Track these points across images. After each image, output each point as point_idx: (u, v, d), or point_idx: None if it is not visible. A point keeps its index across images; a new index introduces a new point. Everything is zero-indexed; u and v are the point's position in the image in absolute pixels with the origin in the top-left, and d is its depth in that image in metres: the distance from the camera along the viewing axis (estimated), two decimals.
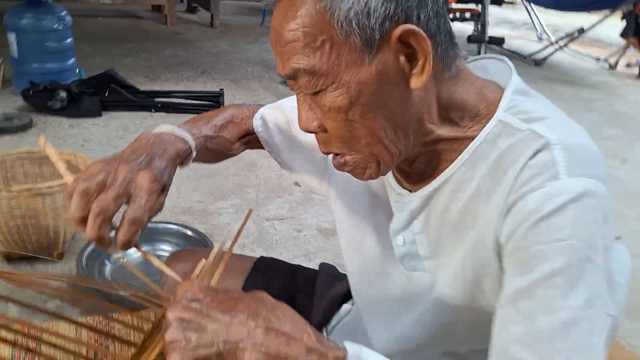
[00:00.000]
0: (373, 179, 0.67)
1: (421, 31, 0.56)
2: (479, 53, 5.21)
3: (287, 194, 2.36)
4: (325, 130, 0.62)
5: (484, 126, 0.62)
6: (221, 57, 4.47)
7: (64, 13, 3.10)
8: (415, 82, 0.58)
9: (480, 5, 5.17)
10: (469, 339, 0.70)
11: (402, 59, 0.58)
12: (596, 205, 0.54)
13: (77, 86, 2.95)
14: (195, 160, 0.80)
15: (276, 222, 2.12)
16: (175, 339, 0.53)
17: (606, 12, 5.12)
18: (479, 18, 5.23)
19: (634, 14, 4.37)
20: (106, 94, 3.02)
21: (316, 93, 0.59)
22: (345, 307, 0.97)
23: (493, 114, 0.62)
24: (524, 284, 0.55)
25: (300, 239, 2.03)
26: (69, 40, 3.16)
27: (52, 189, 1.58)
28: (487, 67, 0.70)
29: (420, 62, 0.58)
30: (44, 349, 0.81)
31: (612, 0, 4.79)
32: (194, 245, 1.71)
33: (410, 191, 0.69)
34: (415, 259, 0.71)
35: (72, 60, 3.24)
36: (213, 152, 0.85)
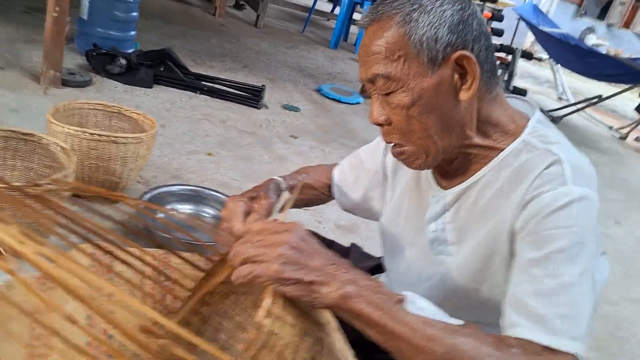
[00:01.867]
0: (421, 169, 0.88)
1: (473, 57, 0.78)
2: None
3: None
4: (389, 124, 0.83)
5: (510, 142, 0.84)
6: (262, 56, 4.72)
7: None
8: (463, 95, 0.80)
9: (511, 56, 5.45)
10: (470, 310, 0.88)
11: (456, 76, 0.79)
12: (592, 206, 0.75)
13: (136, 56, 3.20)
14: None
15: (300, 211, 2.35)
16: (284, 254, 0.66)
17: (626, 86, 5.40)
18: (507, 67, 5.51)
19: None
20: (161, 69, 3.25)
21: (388, 94, 0.80)
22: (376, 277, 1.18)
23: (519, 135, 0.84)
24: (536, 256, 0.73)
25: (319, 230, 2.26)
26: (134, 13, 3.42)
27: (126, 139, 1.81)
28: (515, 101, 0.93)
29: (469, 81, 0.79)
30: (117, 266, 0.89)
31: (633, 76, 5.07)
32: None
33: (445, 189, 0.91)
34: (443, 243, 0.91)
35: (133, 32, 3.49)
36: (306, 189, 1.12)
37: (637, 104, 4.89)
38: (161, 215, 1.87)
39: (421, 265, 0.98)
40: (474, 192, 0.87)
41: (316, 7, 6.45)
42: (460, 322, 0.72)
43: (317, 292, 0.67)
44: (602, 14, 12.20)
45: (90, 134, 1.76)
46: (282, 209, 0.88)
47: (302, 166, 1.18)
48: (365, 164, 1.10)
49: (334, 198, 1.16)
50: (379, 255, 1.22)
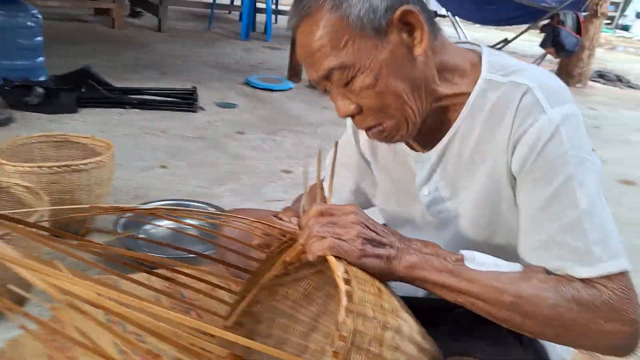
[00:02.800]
0: (405, 139, 0.86)
1: (414, 9, 0.75)
2: None
3: (278, 179, 2.55)
4: (360, 111, 0.80)
5: (473, 83, 0.83)
6: (177, 60, 4.55)
7: (35, 11, 3.10)
8: (417, 49, 0.77)
9: None
10: (493, 242, 0.88)
11: (404, 35, 0.77)
12: (576, 121, 0.75)
13: (53, 82, 2.97)
14: None
15: (276, 203, 2.30)
16: (363, 233, 0.71)
17: (526, 26, 5.73)
18: None
19: (552, 26, 4.96)
20: (83, 90, 3.05)
21: (347, 83, 0.77)
22: None
23: (478, 72, 0.81)
24: (549, 193, 0.73)
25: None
26: (39, 38, 3.16)
27: (87, 165, 1.68)
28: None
29: (418, 34, 0.77)
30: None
31: (531, 16, 5.38)
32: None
33: (424, 151, 0.90)
34: (440, 202, 0.90)
35: (41, 58, 3.23)
36: None
37: (540, 41, 5.20)
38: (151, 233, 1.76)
39: (427, 235, 0.95)
40: (456, 144, 0.85)
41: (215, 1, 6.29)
42: (519, 267, 0.74)
43: (392, 265, 0.73)
44: None
45: (49, 167, 1.61)
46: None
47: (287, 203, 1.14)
48: (344, 159, 1.07)
49: None
50: None
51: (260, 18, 6.44)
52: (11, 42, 3.01)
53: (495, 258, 0.75)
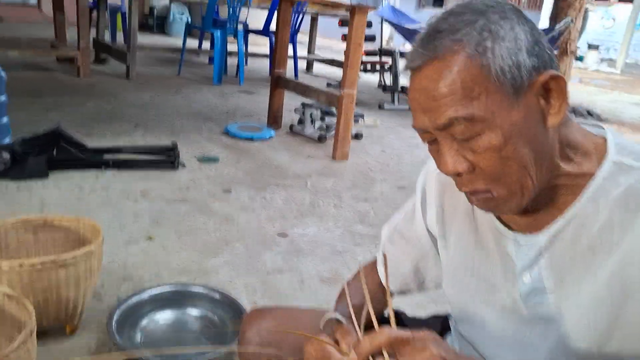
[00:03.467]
0: (512, 212, 0.75)
1: (562, 76, 0.68)
2: (392, 101, 5.61)
3: (274, 244, 2.37)
4: (472, 171, 0.71)
5: (596, 165, 0.74)
6: (149, 110, 4.35)
7: None
8: (552, 120, 0.69)
9: (391, 58, 5.60)
10: (609, 350, 0.76)
11: (542, 101, 0.68)
12: None
13: (20, 146, 2.73)
14: None
15: (277, 274, 2.12)
16: None
17: None
18: (391, 69, 5.65)
19: None
20: (54, 153, 2.81)
21: (469, 138, 0.68)
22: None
23: (602, 154, 0.74)
24: None
25: (305, 290, 2.04)
26: (2, 97, 2.92)
27: (75, 259, 1.47)
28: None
29: (557, 103, 0.68)
30: None
31: None
32: (222, 307, 1.66)
33: (524, 232, 0.78)
34: (540, 293, 0.78)
35: (5, 119, 2.98)
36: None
37: None
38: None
39: (514, 328, 0.83)
40: (571, 229, 0.74)
41: (180, 44, 6.14)
42: None
43: None
44: (439, 2, 13.23)
45: (31, 265, 1.39)
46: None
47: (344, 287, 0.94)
48: (405, 233, 0.97)
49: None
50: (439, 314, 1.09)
51: (230, 61, 6.32)
52: None
53: None
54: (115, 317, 1.53)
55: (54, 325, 1.55)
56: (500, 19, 0.67)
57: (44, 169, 2.73)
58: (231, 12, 5.53)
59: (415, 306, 1.69)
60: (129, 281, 1.92)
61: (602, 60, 13.68)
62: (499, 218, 0.82)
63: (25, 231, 1.69)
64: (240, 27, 5.79)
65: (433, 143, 0.73)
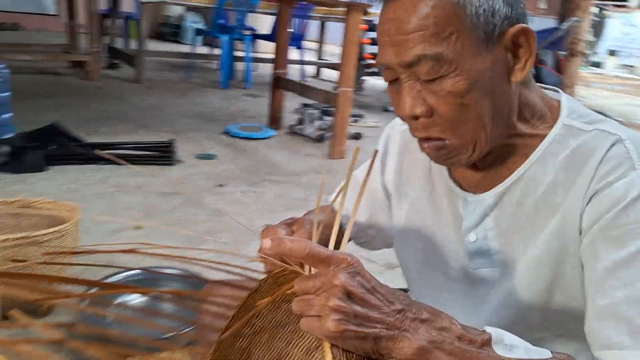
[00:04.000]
0: (462, 165, 0.74)
1: (533, 31, 0.67)
2: None
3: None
4: (430, 115, 0.69)
5: (550, 127, 0.74)
6: (154, 111, 4.42)
7: (2, 65, 2.96)
8: (516, 76, 0.68)
9: None
10: (541, 326, 0.77)
11: (509, 54, 0.68)
12: None
13: (19, 140, 2.80)
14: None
15: (260, 264, 2.13)
16: (342, 308, 0.53)
17: None
18: None
19: (533, 66, 4.97)
20: (52, 148, 2.88)
21: (433, 79, 0.66)
22: None
23: (556, 117, 0.74)
24: (621, 257, 0.64)
25: None
26: (6, 94, 3.01)
27: (46, 236, 1.51)
28: None
29: (524, 59, 0.68)
30: None
31: None
32: (194, 287, 1.68)
33: (475, 192, 0.78)
34: (486, 255, 0.78)
35: (8, 115, 3.07)
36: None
37: None
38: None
39: (460, 287, 0.84)
40: (518, 191, 0.75)
41: (194, 51, 6.25)
42: (548, 354, 0.62)
43: (386, 347, 0.56)
44: None
45: (3, 239, 1.43)
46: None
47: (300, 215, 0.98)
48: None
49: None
50: (402, 287, 1.08)
51: (239, 66, 6.40)
52: None
53: (524, 341, 0.62)
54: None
55: (27, 306, 1.58)
56: None
57: (42, 162, 2.80)
58: (238, 17, 5.62)
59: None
60: (112, 268, 1.95)
61: (621, 66, 13.48)
62: (452, 178, 0.82)
63: (8, 216, 1.74)
64: (247, 32, 5.86)
65: (394, 83, 0.71)
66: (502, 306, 0.78)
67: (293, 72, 6.67)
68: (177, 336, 1.42)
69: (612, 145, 0.68)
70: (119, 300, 1.65)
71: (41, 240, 1.49)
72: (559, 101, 0.77)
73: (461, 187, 0.81)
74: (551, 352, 0.63)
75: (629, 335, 0.61)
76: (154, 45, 8.07)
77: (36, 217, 1.77)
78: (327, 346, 0.56)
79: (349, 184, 1.00)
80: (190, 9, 9.24)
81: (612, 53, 13.13)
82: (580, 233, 0.70)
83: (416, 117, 0.69)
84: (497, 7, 0.65)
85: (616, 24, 14.50)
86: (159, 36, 9.59)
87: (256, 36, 6.61)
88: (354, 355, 0.57)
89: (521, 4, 0.69)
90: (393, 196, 0.92)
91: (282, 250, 0.56)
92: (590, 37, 13.31)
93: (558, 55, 4.98)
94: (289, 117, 4.42)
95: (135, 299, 1.68)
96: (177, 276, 1.73)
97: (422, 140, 0.73)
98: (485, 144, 0.71)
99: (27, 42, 6.11)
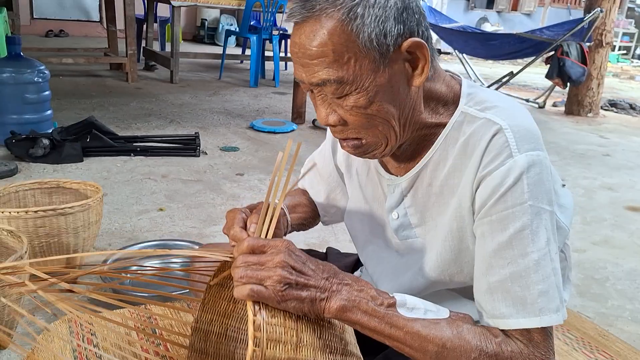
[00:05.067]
0: (377, 158, 0.85)
1: (424, 42, 0.75)
2: None
3: None
4: (344, 123, 0.79)
5: (452, 113, 0.83)
6: (186, 108, 4.68)
7: (42, 67, 3.25)
8: (416, 81, 0.77)
9: None
10: (457, 278, 0.89)
11: (406, 64, 0.76)
12: (540, 171, 0.75)
13: (58, 134, 3.08)
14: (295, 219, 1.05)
15: None
16: (285, 277, 0.69)
17: (530, 59, 5.75)
18: None
19: (556, 58, 4.97)
20: (87, 140, 3.15)
21: (340, 97, 0.75)
22: (357, 273, 1.16)
23: (457, 103, 0.83)
24: (504, 238, 0.75)
25: None
26: (47, 92, 3.31)
27: (73, 209, 1.73)
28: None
29: (420, 67, 0.76)
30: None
31: (535, 49, 5.42)
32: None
33: (397, 175, 0.90)
34: (407, 228, 0.91)
35: (49, 112, 3.37)
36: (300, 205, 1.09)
37: (546, 72, 5.21)
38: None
39: (392, 256, 0.97)
40: (427, 174, 0.85)
41: (227, 52, 6.50)
42: (446, 314, 0.76)
43: (319, 307, 0.72)
44: (491, 3, 13.05)
45: (35, 211, 1.66)
46: (270, 220, 0.88)
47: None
48: (320, 168, 1.10)
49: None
50: (354, 252, 1.22)
51: (271, 65, 6.62)
52: (19, 97, 3.15)
53: (425, 302, 0.77)
54: (108, 261, 1.77)
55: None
56: None
57: (79, 154, 3.07)
58: (267, 18, 5.83)
59: None
60: (132, 242, 2.18)
61: None
62: (380, 162, 0.94)
63: (41, 194, 1.98)
64: (276, 32, 6.07)
65: (312, 93, 0.80)
66: (417, 274, 0.90)
67: None
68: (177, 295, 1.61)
69: (494, 135, 0.76)
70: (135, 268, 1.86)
71: (68, 212, 1.71)
72: (460, 86, 0.85)
73: (386, 169, 0.93)
74: (450, 312, 0.77)
75: (513, 306, 0.74)
76: (190, 47, 8.42)
77: (66, 195, 2.00)
78: (249, 304, 0.70)
79: (308, 165, 1.16)
80: (225, 11, 9.56)
81: None
82: (473, 214, 0.80)
83: (333, 125, 0.80)
84: (389, 28, 0.72)
85: None
86: (196, 39, 9.94)
87: (285, 36, 6.82)
88: (275, 310, 0.72)
89: (415, 14, 0.75)
90: (345, 175, 1.05)
91: (232, 238, 0.81)
92: (632, 29, 12.92)
93: (583, 46, 4.95)
94: (312, 112, 4.59)
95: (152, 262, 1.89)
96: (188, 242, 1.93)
97: (341, 140, 0.83)
98: (395, 141, 0.80)
99: (72, 46, 6.52)
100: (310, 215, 1.11)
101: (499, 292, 0.75)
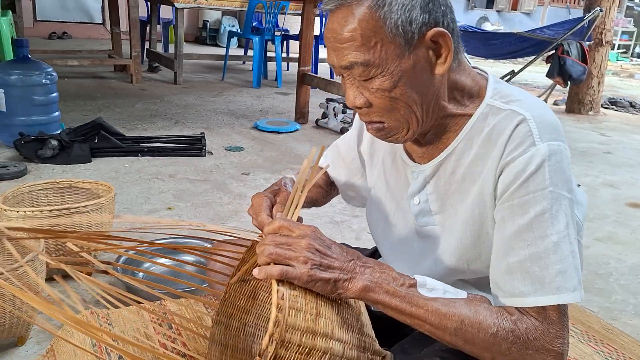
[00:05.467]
0: (399, 142, 0.90)
1: (448, 32, 0.79)
2: None
3: None
4: (369, 106, 0.83)
5: (477, 106, 0.87)
6: (190, 109, 4.72)
7: (50, 69, 3.29)
8: (439, 69, 0.81)
9: None
10: (474, 265, 0.92)
11: (431, 52, 0.80)
12: (561, 159, 0.79)
13: (67, 135, 3.12)
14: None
15: None
16: (311, 259, 0.74)
17: (530, 58, 5.77)
18: None
19: (557, 57, 5.00)
20: (95, 141, 3.19)
21: (367, 79, 0.80)
22: None
23: (483, 96, 0.88)
24: (524, 221, 0.78)
25: None
26: (54, 94, 3.34)
27: (86, 208, 1.76)
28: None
29: (443, 55, 0.80)
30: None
31: (535, 48, 5.44)
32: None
33: (420, 163, 0.94)
34: (427, 214, 0.94)
35: (56, 113, 3.41)
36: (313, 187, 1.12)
37: (546, 71, 5.23)
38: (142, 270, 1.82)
39: (411, 245, 1.00)
40: (451, 162, 0.89)
41: (229, 53, 6.54)
42: (464, 294, 0.80)
43: (342, 287, 0.76)
44: (490, 3, 13.08)
45: (49, 210, 1.70)
46: (296, 207, 0.92)
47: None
48: (343, 153, 1.14)
49: (336, 193, 1.19)
50: (370, 247, 1.26)
51: (273, 66, 6.65)
52: (27, 99, 3.19)
53: (444, 284, 0.81)
54: (122, 259, 1.80)
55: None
56: None
57: (88, 154, 3.11)
58: (269, 19, 5.87)
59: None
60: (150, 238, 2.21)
61: None
62: (405, 150, 0.99)
63: (54, 193, 2.02)
64: (278, 33, 6.11)
65: (343, 77, 0.84)
66: (440, 258, 0.94)
67: (324, 70, 6.90)
68: (194, 290, 1.64)
69: (518, 124, 0.80)
70: (148, 264, 1.89)
71: (82, 211, 1.75)
72: (487, 81, 0.90)
73: (411, 157, 0.97)
74: (467, 294, 0.81)
75: (532, 284, 0.78)
76: (193, 49, 8.46)
77: (78, 195, 2.04)
78: (274, 283, 0.75)
79: (330, 150, 1.20)
80: (227, 13, 9.60)
81: None
82: (495, 199, 0.83)
83: (359, 107, 0.85)
84: (414, 16, 0.76)
85: None
86: (198, 40, 9.98)
87: (287, 37, 6.85)
88: (297, 287, 0.76)
89: (441, 6, 0.79)
90: (367, 162, 1.09)
91: (260, 224, 0.86)
92: (631, 28, 12.94)
93: (583, 45, 4.98)
94: (315, 112, 4.63)
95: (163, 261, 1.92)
96: (198, 239, 1.96)
97: (367, 123, 0.88)
98: (417, 126, 0.84)
99: (75, 49, 6.56)
100: (322, 195, 1.16)
101: (518, 272, 0.78)
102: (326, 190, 1.17)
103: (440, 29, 0.78)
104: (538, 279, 0.77)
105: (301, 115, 4.45)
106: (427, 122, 0.86)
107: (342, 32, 0.77)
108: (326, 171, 1.17)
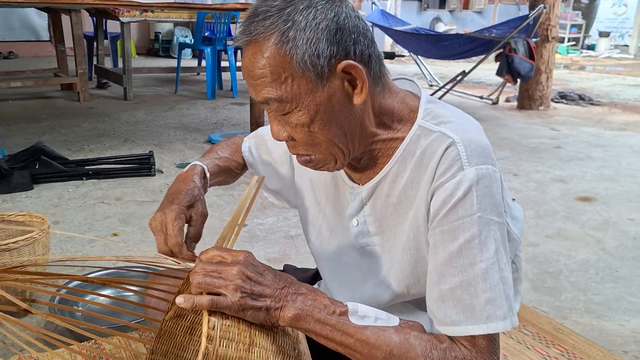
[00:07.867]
0: (331, 171, 0.90)
1: (357, 64, 0.77)
2: None
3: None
4: (293, 139, 0.83)
5: (409, 128, 0.86)
6: (140, 125, 4.61)
7: None
8: (357, 99, 0.80)
9: None
10: (414, 290, 0.92)
11: (346, 83, 0.79)
12: (490, 184, 0.79)
13: (6, 162, 2.99)
14: (213, 183, 1.07)
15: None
16: (242, 287, 0.73)
17: (481, 57, 5.87)
18: None
19: (505, 55, 5.09)
20: (36, 167, 3.07)
21: (284, 114, 0.80)
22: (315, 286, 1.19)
23: (415, 118, 0.86)
24: (454, 248, 0.78)
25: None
26: None
27: (17, 244, 1.67)
28: (402, 82, 0.96)
29: (359, 85, 0.79)
30: None
31: (484, 47, 5.53)
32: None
33: (359, 184, 0.93)
34: (366, 236, 0.94)
35: None
36: (225, 171, 1.10)
37: (496, 70, 5.33)
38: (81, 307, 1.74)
39: (351, 265, 0.99)
40: (386, 185, 0.88)
41: (182, 64, 6.43)
42: (396, 321, 0.80)
43: (274, 315, 0.76)
44: (443, 3, 13.30)
45: None
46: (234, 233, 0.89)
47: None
48: (271, 151, 1.11)
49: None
50: (312, 267, 1.23)
51: (227, 76, 6.57)
52: None
53: (377, 311, 0.80)
54: (56, 299, 1.71)
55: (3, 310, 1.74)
56: (305, 8, 0.75)
57: (29, 182, 2.98)
58: (219, 29, 5.79)
59: None
60: (85, 272, 2.12)
61: (614, 46, 13.49)
62: (345, 171, 0.96)
63: None
64: (231, 42, 6.04)
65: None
66: (382, 283, 0.93)
67: None
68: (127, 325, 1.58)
69: (447, 148, 0.80)
70: (89, 297, 1.81)
71: (12, 248, 1.66)
72: (419, 100, 0.89)
73: (350, 178, 0.95)
74: (400, 319, 0.80)
75: (462, 313, 0.77)
76: (144, 62, 8.30)
77: (10, 230, 1.94)
78: (205, 314, 0.73)
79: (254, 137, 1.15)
80: (179, 23, 9.45)
81: (603, 34, 13.16)
82: (428, 223, 0.83)
83: (283, 140, 0.84)
84: (321, 49, 0.75)
85: (607, 5, 14.52)
86: (151, 52, 9.80)
87: (240, 46, 6.77)
88: (230, 317, 0.75)
89: (352, 34, 0.77)
90: (296, 174, 1.07)
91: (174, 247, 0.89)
92: (579, 20, 13.36)
93: (530, 43, 5.09)
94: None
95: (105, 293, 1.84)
96: (142, 272, 1.89)
97: (295, 155, 0.87)
98: (344, 157, 0.85)
99: (21, 68, 6.33)
100: (230, 179, 1.16)
101: (450, 299, 0.78)
102: (238, 172, 1.16)
103: (350, 61, 0.77)
104: (469, 307, 0.77)
105: (256, 126, 4.39)
106: (354, 151, 0.85)
107: (253, 69, 0.77)
108: (241, 153, 1.14)
